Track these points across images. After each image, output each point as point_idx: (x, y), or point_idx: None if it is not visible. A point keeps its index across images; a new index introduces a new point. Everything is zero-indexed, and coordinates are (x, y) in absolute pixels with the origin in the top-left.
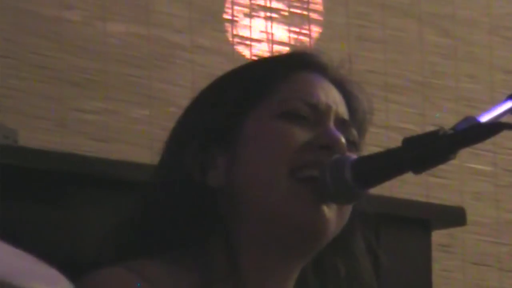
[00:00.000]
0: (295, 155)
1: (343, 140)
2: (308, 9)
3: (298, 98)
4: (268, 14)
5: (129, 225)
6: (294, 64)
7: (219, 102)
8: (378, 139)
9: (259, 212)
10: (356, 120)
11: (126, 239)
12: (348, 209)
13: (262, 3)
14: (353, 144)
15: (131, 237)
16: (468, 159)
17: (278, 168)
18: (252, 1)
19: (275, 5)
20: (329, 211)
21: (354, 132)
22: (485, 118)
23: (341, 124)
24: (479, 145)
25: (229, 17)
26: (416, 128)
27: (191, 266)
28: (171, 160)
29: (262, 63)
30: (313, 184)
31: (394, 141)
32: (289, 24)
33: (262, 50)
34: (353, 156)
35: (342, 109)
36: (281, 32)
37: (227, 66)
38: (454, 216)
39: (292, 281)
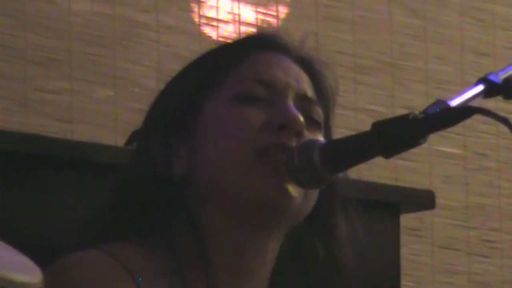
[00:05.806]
0: (256, 136)
1: (300, 117)
2: None
3: (253, 78)
4: None
5: (101, 210)
6: (253, 45)
7: (179, 90)
8: (347, 121)
9: (221, 195)
10: (321, 98)
11: (98, 223)
12: (315, 192)
13: None
14: (316, 123)
15: (103, 222)
16: (438, 142)
17: (241, 152)
18: None
19: None
20: (294, 190)
21: (319, 110)
22: (455, 102)
23: (303, 101)
24: (449, 128)
25: None
26: (385, 110)
27: (163, 251)
28: (138, 149)
29: (221, 47)
30: (279, 166)
31: (363, 123)
32: (256, 5)
33: (228, 31)
34: (321, 139)
35: (304, 86)
36: (248, 13)
37: (193, 47)
38: (423, 200)
39: (267, 264)
